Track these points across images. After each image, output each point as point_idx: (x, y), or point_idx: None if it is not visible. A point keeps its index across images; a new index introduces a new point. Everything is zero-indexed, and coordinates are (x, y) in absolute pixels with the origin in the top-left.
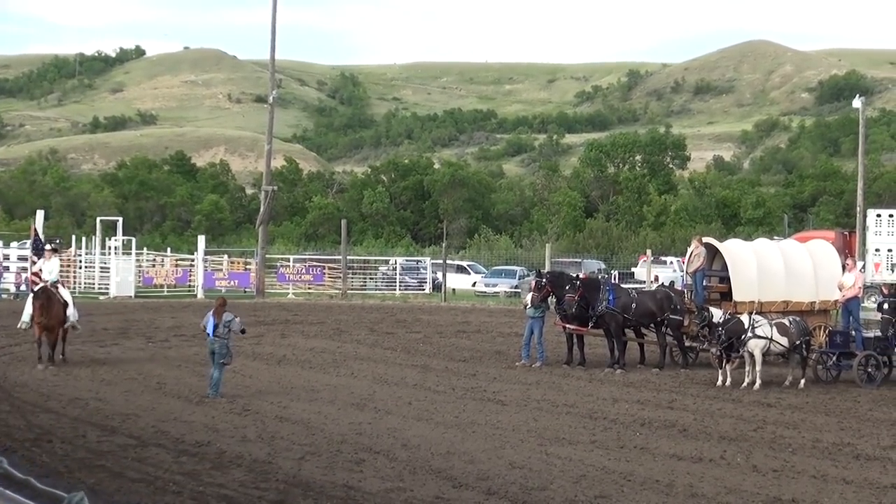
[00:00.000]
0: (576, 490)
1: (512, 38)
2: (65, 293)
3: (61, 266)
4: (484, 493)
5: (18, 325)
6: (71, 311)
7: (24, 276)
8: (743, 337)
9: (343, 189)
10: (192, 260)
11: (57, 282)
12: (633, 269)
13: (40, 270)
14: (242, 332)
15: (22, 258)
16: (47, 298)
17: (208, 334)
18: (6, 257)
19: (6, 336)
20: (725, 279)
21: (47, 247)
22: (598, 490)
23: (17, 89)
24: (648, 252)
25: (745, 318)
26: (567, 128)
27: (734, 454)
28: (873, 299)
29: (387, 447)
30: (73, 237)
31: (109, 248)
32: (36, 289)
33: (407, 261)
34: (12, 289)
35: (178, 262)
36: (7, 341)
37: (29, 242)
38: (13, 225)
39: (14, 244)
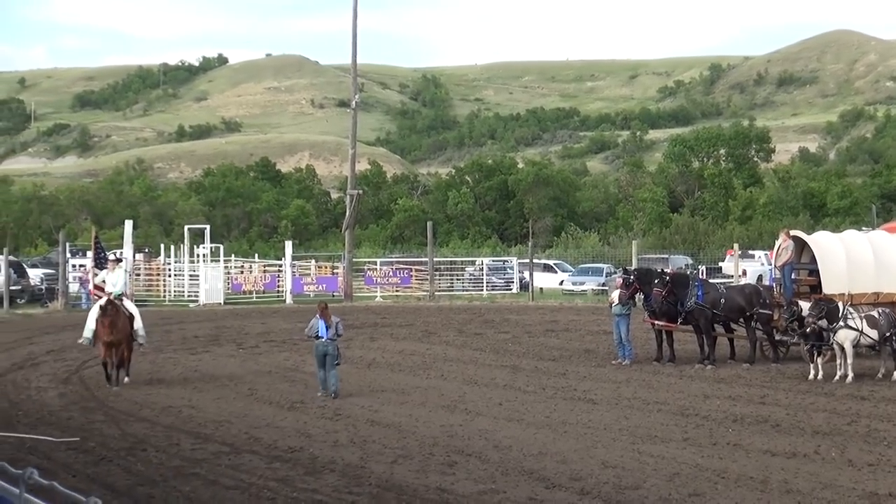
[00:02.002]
0: (669, 488)
1: (592, 35)
2: (131, 306)
3: (153, 275)
4: (577, 493)
5: (79, 341)
6: (138, 325)
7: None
8: (833, 325)
9: (428, 191)
10: (280, 265)
11: (122, 294)
12: (720, 264)
13: (103, 282)
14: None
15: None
16: (114, 312)
17: (320, 337)
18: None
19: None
20: (814, 272)
21: (111, 257)
22: (692, 488)
23: (102, 101)
24: (735, 246)
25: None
26: (650, 123)
27: (828, 449)
28: None
29: (479, 449)
30: (162, 246)
31: (198, 255)
32: (101, 302)
33: (493, 261)
34: None
35: (266, 268)
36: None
37: (90, 252)
38: (101, 235)
39: None
